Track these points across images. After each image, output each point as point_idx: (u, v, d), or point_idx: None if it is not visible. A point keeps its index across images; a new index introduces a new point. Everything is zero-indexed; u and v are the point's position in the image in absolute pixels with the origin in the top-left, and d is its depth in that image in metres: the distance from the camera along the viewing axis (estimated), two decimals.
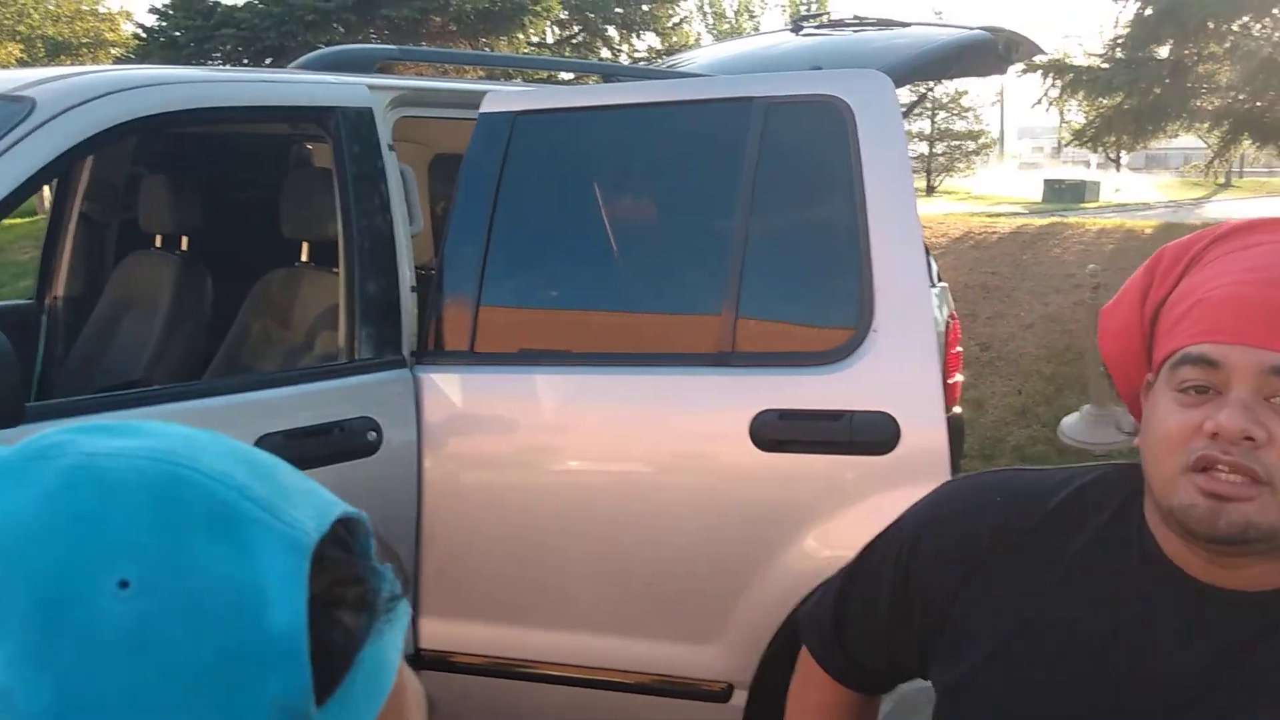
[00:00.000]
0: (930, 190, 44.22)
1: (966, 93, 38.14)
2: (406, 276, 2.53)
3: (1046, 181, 40.13)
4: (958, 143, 45.49)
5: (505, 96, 2.57)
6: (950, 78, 4.38)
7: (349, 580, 0.48)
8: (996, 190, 42.79)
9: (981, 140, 47.03)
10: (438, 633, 2.49)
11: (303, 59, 3.09)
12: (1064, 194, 37.92)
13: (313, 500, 0.49)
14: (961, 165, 47.05)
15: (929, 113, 42.25)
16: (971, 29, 4.11)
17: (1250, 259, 0.93)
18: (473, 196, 2.52)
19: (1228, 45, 10.01)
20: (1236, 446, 0.85)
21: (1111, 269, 7.41)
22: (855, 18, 4.49)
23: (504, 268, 2.52)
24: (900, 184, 2.30)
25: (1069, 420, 5.48)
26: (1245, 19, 9.68)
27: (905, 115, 4.88)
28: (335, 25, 13.97)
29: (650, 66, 3.64)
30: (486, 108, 2.55)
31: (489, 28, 14.88)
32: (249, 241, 3.38)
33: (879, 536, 1.15)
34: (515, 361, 2.49)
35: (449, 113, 2.87)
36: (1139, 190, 44.70)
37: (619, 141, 2.60)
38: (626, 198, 2.61)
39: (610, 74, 2.87)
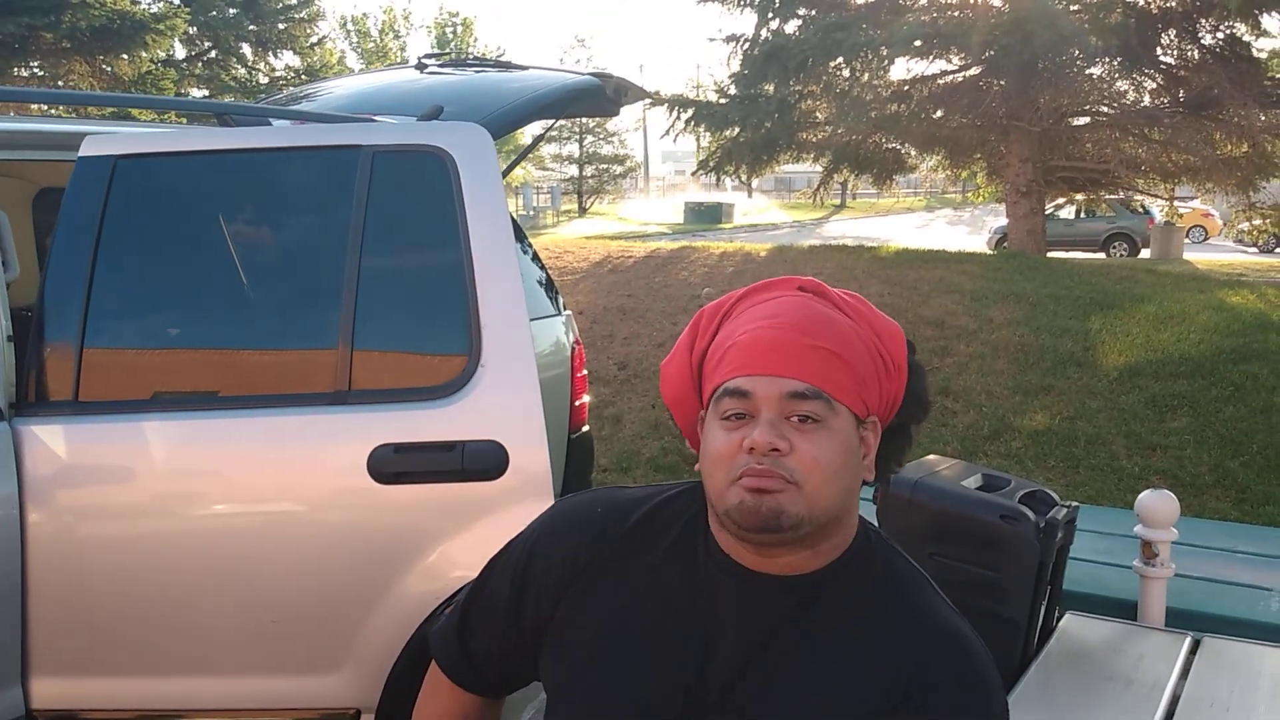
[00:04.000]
0: (583, 212, 45.73)
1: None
2: (1, 325, 2.42)
3: (687, 204, 42.57)
4: (605, 166, 47.38)
5: (106, 140, 2.53)
6: (564, 118, 4.67)
7: None
8: (643, 212, 44.92)
9: (627, 164, 49.27)
10: (56, 692, 2.41)
11: None
12: (703, 215, 40.43)
13: None
14: (610, 188, 49.02)
15: (577, 137, 43.81)
16: (583, 75, 4.42)
17: (768, 309, 1.16)
18: (73, 240, 2.45)
19: (824, 85, 11.20)
20: (767, 457, 1.07)
21: (729, 288, 8.11)
22: (476, 59, 4.71)
23: (110, 313, 2.46)
24: (500, 229, 2.50)
25: None
26: (838, 61, 10.86)
27: (532, 148, 5.13)
28: None
29: (267, 105, 3.62)
30: (86, 151, 2.50)
31: (107, 45, 13.85)
32: None
33: (498, 553, 1.30)
34: (125, 409, 2.44)
35: (47, 155, 2.76)
36: (769, 212, 48.46)
37: (229, 185, 2.61)
38: (238, 241, 2.62)
39: (226, 113, 2.86)
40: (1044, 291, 8.30)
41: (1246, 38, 10.96)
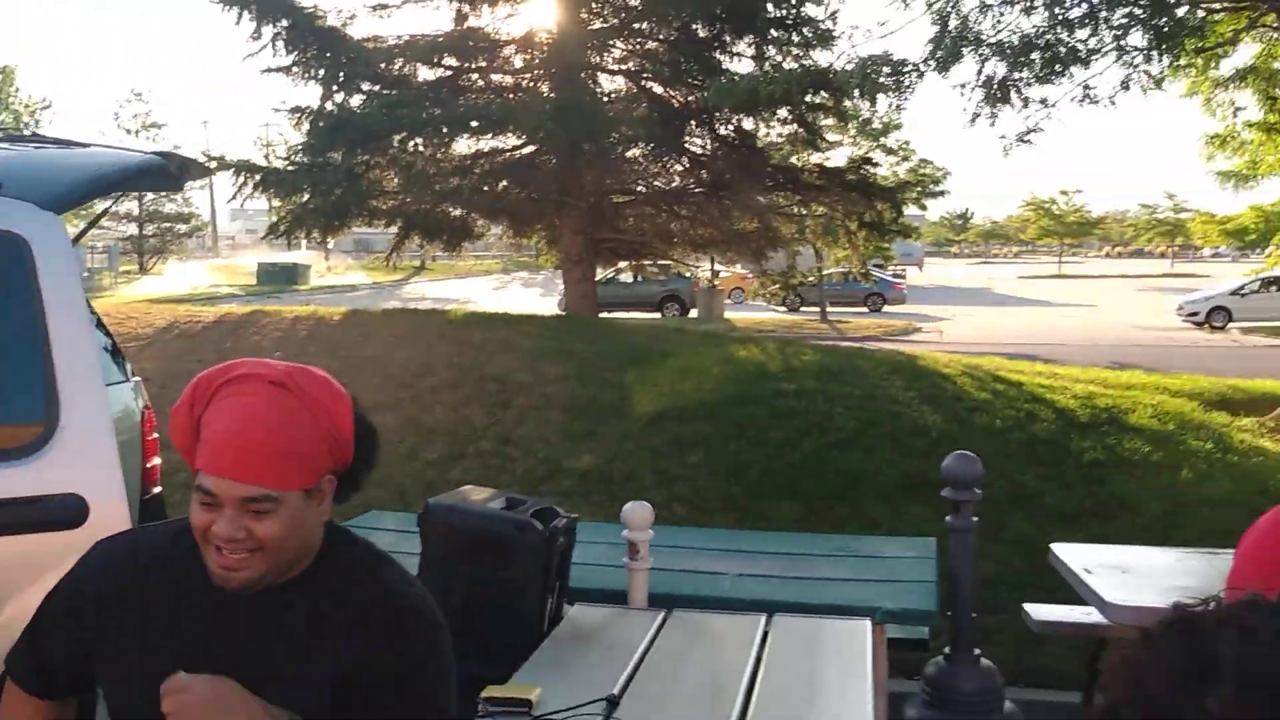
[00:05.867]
0: (144, 271, 42.85)
1: None
2: None
3: (260, 265, 41.23)
4: (168, 224, 44.78)
5: None
6: (127, 193, 4.86)
7: None
8: (213, 274, 42.91)
9: (193, 223, 46.90)
10: None
11: None
12: (277, 276, 39.33)
13: None
14: (174, 247, 46.32)
15: (136, 194, 41.10)
16: (146, 154, 4.67)
17: (235, 407, 1.48)
18: None
19: (390, 157, 11.80)
20: (227, 544, 1.45)
21: (302, 354, 8.39)
22: (34, 135, 4.81)
23: None
24: (75, 303, 2.82)
25: None
26: (401, 135, 11.51)
27: (97, 220, 5.21)
28: None
29: None
30: None
31: None
32: None
33: (57, 584, 1.67)
34: None
35: None
36: (348, 273, 48.09)
37: None
38: None
39: None
40: (591, 349, 9.36)
41: (751, 128, 12.97)
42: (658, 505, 6.61)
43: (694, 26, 12.20)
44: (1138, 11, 4.97)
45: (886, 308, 32.01)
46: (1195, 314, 27.26)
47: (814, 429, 7.42)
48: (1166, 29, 5.04)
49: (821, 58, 11.15)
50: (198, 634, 1.55)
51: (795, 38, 11.84)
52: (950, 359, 10.32)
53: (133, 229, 44.41)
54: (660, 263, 16.45)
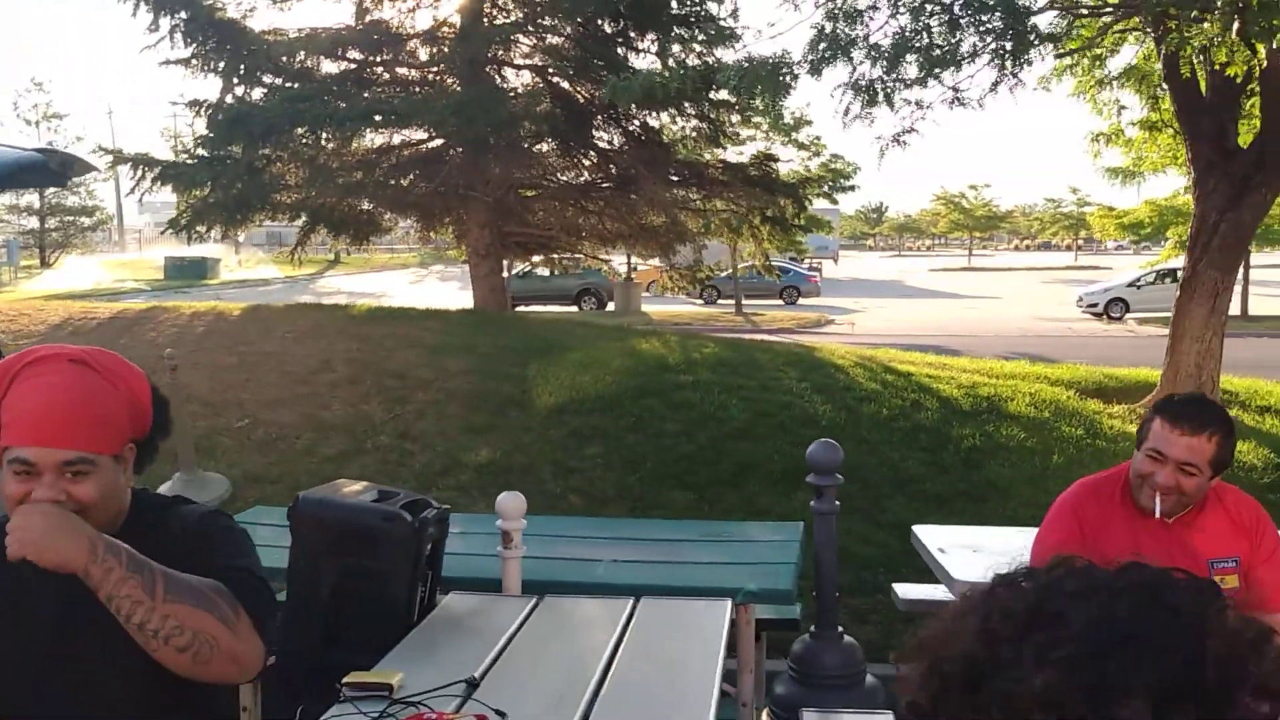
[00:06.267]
0: (45, 265, 41.62)
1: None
2: None
3: (168, 258, 40.33)
4: (71, 218, 43.55)
5: None
6: (8, 190, 4.83)
7: None
8: (118, 269, 41.88)
9: (97, 216, 45.65)
10: None
11: None
12: (186, 271, 38.51)
13: None
14: (77, 241, 45.07)
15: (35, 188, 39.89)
16: (27, 151, 4.65)
17: (42, 385, 1.63)
18: None
19: (291, 151, 11.70)
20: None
21: (199, 350, 8.34)
22: None
23: None
24: None
25: (165, 486, 6.22)
26: (303, 129, 11.43)
27: None
28: None
29: None
30: None
31: None
32: None
33: None
34: None
35: None
36: (260, 267, 47.23)
37: None
38: None
39: None
40: (496, 344, 9.43)
41: (658, 124, 13.14)
42: (554, 497, 6.74)
43: (599, 22, 12.30)
44: (996, 23, 5.22)
45: (802, 300, 32.49)
46: (1095, 305, 28.15)
47: (709, 420, 7.60)
48: (1023, 36, 5.29)
49: (726, 55, 11.35)
50: (29, 605, 1.69)
51: (699, 35, 12.01)
52: (846, 350, 10.60)
53: (34, 223, 43.09)
54: (573, 256, 16.52)
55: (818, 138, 23.20)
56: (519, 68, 12.91)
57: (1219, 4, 5.60)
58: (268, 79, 12.10)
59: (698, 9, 11.81)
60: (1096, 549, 2.64)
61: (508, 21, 12.15)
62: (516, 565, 3.55)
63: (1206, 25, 5.55)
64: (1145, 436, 2.61)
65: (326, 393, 8.16)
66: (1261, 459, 6.95)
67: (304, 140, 11.55)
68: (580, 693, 2.48)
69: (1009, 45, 5.30)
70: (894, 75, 5.51)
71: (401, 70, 13.04)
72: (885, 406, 7.87)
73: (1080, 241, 67.02)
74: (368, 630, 2.99)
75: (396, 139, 13.10)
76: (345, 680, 2.42)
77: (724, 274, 26.75)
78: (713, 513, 6.32)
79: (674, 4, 11.92)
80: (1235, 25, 5.82)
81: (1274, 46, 6.42)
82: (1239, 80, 7.74)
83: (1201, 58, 6.66)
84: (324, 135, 11.55)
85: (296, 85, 11.82)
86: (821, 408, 7.84)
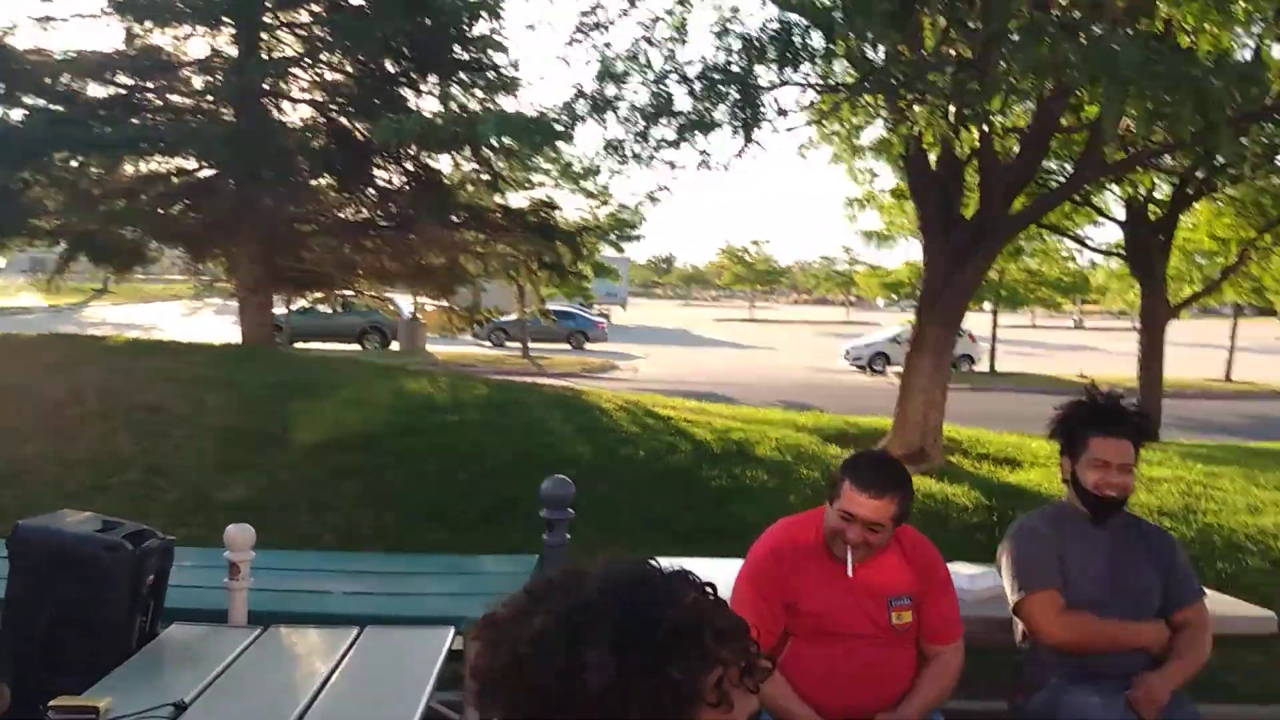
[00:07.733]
0: None
1: None
2: None
3: None
4: None
5: None
6: None
7: None
8: None
9: None
10: None
11: None
12: None
13: None
14: None
15: None
16: None
17: None
18: None
19: (51, 176, 11.20)
20: None
21: None
22: None
23: None
24: None
25: None
26: (64, 154, 10.98)
27: None
28: None
29: None
30: None
31: None
32: None
33: None
34: None
35: None
36: (20, 295, 44.01)
37: None
38: None
39: None
40: (259, 379, 9.29)
41: (438, 166, 13.29)
42: (310, 534, 6.73)
43: (383, 62, 12.38)
44: (733, 94, 5.71)
45: (588, 345, 33.04)
46: (859, 359, 29.92)
47: (471, 459, 7.74)
48: (757, 108, 5.81)
49: (506, 103, 11.64)
50: None
51: (480, 81, 12.26)
52: (612, 395, 10.98)
53: None
54: (349, 295, 16.36)
55: (605, 187, 23.86)
56: (296, 101, 12.82)
57: (938, 86, 6.27)
58: (29, 100, 11.57)
59: (479, 56, 12.08)
60: (792, 587, 2.98)
61: (283, 56, 12.07)
62: (243, 596, 3.61)
63: (918, 109, 6.23)
64: (837, 495, 2.95)
65: (73, 427, 7.85)
66: (973, 500, 7.66)
67: (64, 164, 11.08)
68: (286, 717, 2.60)
69: (747, 115, 5.79)
70: (645, 137, 5.90)
71: (174, 98, 12.71)
72: (642, 449, 8.23)
73: (854, 298, 70.90)
74: (86, 658, 3.01)
75: (167, 167, 12.73)
76: (51, 704, 2.47)
77: (507, 317, 26.93)
78: (467, 549, 6.46)
79: (457, 48, 12.15)
80: (950, 109, 6.53)
81: (984, 130, 7.21)
82: (963, 157, 8.60)
83: (918, 137, 7.40)
84: (87, 160, 11.12)
85: (61, 108, 11.35)
86: (583, 448, 8.12)
